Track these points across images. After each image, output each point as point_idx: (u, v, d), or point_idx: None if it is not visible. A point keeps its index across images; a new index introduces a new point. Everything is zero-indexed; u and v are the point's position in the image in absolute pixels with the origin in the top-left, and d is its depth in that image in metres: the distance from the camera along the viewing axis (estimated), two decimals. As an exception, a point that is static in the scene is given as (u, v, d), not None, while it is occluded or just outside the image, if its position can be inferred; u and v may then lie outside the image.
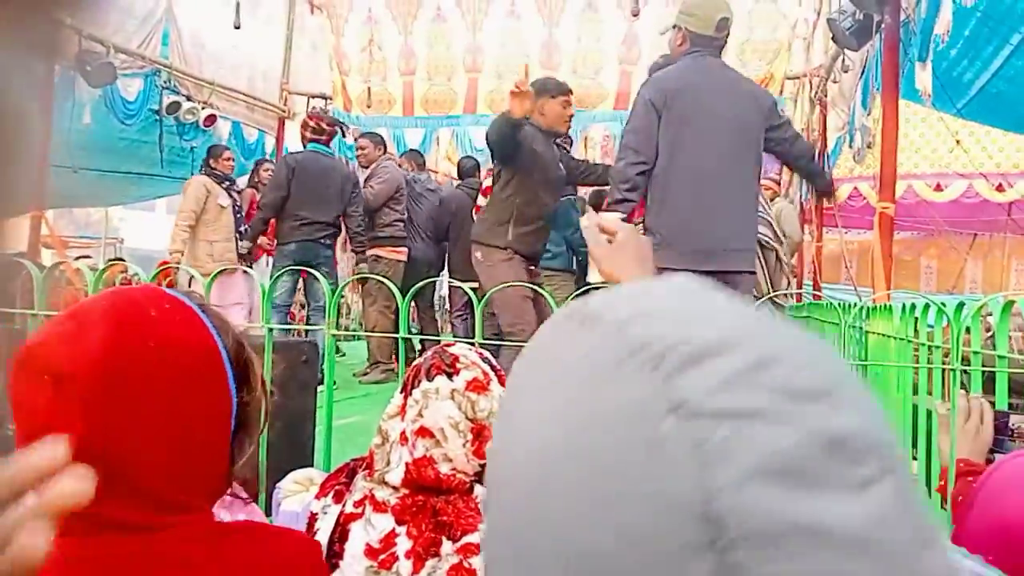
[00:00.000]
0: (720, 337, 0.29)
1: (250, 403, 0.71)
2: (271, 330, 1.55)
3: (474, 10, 6.10)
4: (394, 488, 1.05)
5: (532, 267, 3.32)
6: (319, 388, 1.99)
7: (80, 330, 0.63)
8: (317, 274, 1.88)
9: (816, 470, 0.26)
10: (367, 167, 4.82)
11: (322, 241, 4.45)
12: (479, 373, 1.08)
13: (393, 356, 4.86)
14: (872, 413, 0.29)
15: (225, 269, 2.98)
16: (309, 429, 2.04)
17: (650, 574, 0.26)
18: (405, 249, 4.81)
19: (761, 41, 5.60)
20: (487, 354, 1.15)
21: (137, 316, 0.65)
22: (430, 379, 1.07)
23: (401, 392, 1.10)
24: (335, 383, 1.81)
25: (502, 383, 1.10)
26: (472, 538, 0.98)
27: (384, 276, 4.38)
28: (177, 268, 3.62)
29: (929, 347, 1.85)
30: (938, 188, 7.45)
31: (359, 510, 1.06)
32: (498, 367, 1.12)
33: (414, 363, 1.13)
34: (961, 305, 1.63)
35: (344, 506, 1.08)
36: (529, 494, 0.30)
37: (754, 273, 2.84)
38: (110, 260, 8.57)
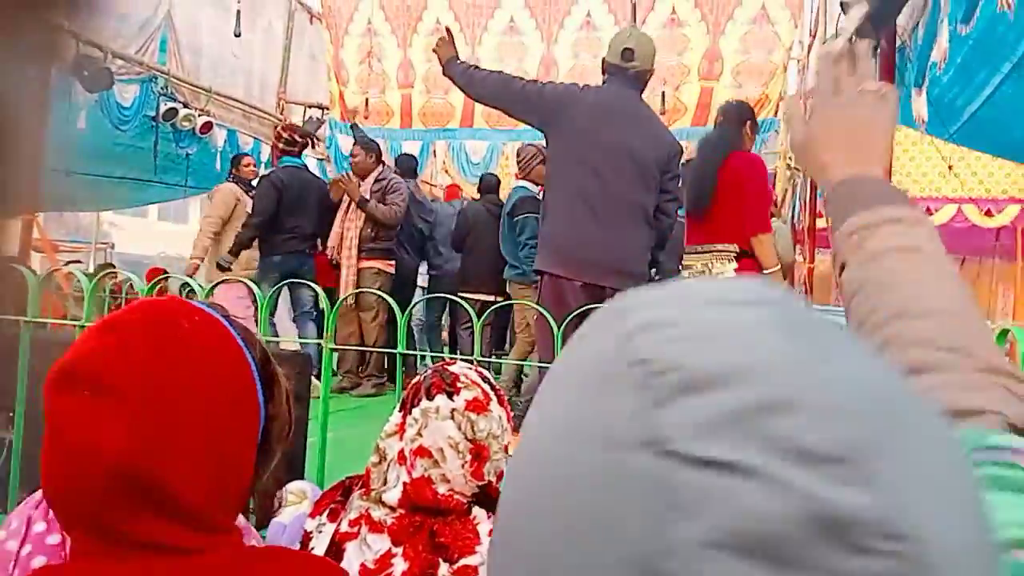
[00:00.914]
0: (728, 365, 0.23)
1: (276, 417, 0.70)
2: (268, 342, 1.54)
3: (473, 25, 6.13)
4: (391, 508, 1.03)
5: None
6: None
7: (121, 343, 0.62)
8: (308, 282, 1.88)
9: (799, 553, 0.21)
10: (362, 176, 4.74)
11: (306, 251, 4.69)
12: (479, 393, 1.06)
13: (385, 370, 4.85)
14: (913, 493, 0.22)
15: (227, 280, 2.99)
16: (302, 441, 2.03)
17: None
18: (395, 262, 4.79)
19: (756, 63, 5.66)
20: (486, 373, 1.14)
21: (173, 329, 0.64)
22: (430, 398, 1.05)
23: (400, 410, 1.09)
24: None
25: (502, 403, 1.09)
26: (470, 560, 0.96)
27: (380, 289, 4.40)
28: (169, 276, 3.60)
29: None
30: (928, 212, 7.53)
31: (355, 529, 1.05)
32: (497, 387, 1.11)
33: (413, 381, 1.11)
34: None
35: (339, 525, 1.06)
36: (517, 516, 0.27)
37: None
38: (100, 265, 8.52)
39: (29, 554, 0.88)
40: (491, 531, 0.95)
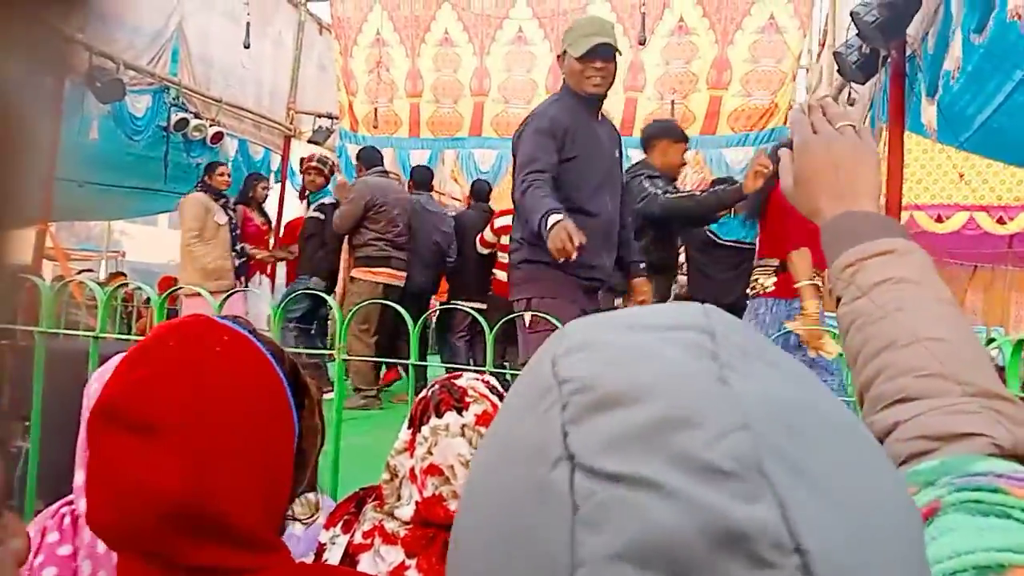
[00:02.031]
0: (635, 385, 0.24)
1: (309, 427, 0.70)
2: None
3: (481, 35, 6.16)
4: (404, 522, 1.04)
5: None
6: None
7: (159, 377, 0.61)
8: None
9: (700, 566, 0.21)
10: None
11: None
12: (488, 406, 1.06)
13: (377, 381, 4.76)
14: (804, 510, 0.22)
15: (236, 291, 2.99)
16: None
17: None
18: (385, 271, 4.61)
19: (765, 72, 5.65)
20: (494, 382, 1.13)
21: (207, 354, 0.63)
22: (439, 415, 1.05)
23: (409, 427, 1.08)
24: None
25: None
26: None
27: (360, 298, 4.31)
28: (181, 287, 3.60)
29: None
30: (939, 220, 7.49)
31: (368, 541, 1.05)
32: (499, 404, 1.10)
33: (420, 396, 1.11)
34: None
35: (352, 536, 1.06)
36: (457, 526, 0.29)
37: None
38: (112, 273, 8.57)
39: (41, 564, 0.89)
40: None
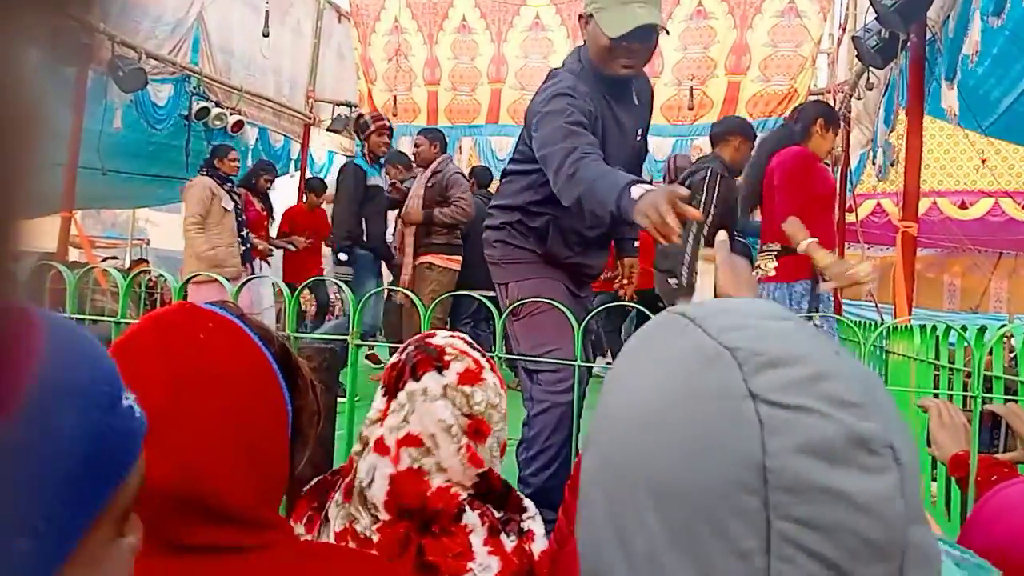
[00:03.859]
0: (788, 352, 0.40)
1: (303, 408, 0.71)
2: (298, 338, 1.58)
3: (499, 22, 6.15)
4: (374, 515, 0.92)
5: None
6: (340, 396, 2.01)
7: (135, 371, 0.61)
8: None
9: (843, 455, 0.37)
10: (424, 166, 4.51)
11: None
12: (470, 363, 0.97)
13: None
14: (892, 424, 0.39)
15: (254, 276, 3.00)
16: (329, 433, 2.07)
17: (714, 502, 0.38)
18: (457, 258, 4.53)
19: (784, 56, 5.59)
20: (468, 339, 1.03)
21: (186, 344, 0.64)
22: (416, 378, 0.94)
23: (384, 395, 0.97)
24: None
25: (493, 369, 1.00)
26: None
27: (440, 284, 4.26)
28: (199, 274, 3.62)
29: (950, 369, 1.84)
30: (963, 206, 7.38)
31: (341, 545, 0.94)
32: (485, 353, 1.01)
33: (392, 360, 1.00)
34: (984, 329, 1.63)
35: (319, 537, 0.97)
36: (632, 444, 0.42)
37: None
38: (135, 260, 8.70)
39: None
40: (486, 540, 0.89)
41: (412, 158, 4.88)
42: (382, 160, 4.51)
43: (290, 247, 5.67)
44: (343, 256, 4.09)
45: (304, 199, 6.17)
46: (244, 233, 4.89)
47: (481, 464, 0.94)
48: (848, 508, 0.36)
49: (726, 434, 0.38)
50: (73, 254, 6.56)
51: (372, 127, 4.30)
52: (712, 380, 0.40)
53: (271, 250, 5.63)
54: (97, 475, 0.34)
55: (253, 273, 4.91)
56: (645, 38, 1.91)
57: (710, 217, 3.27)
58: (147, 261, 8.80)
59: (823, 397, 0.38)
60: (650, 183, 1.62)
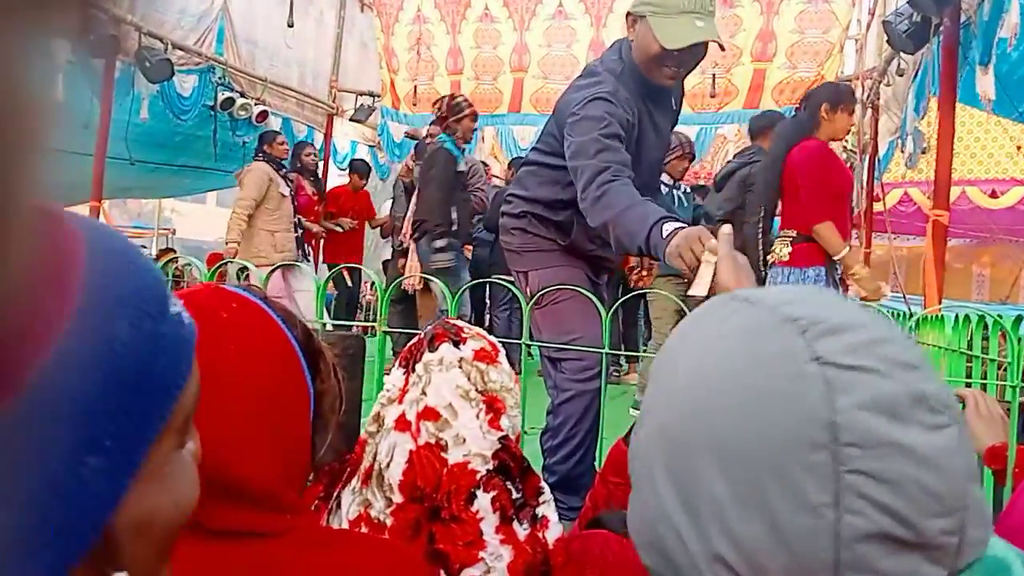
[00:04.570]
0: (846, 320, 0.43)
1: (325, 391, 0.71)
2: (324, 325, 1.59)
3: (521, 10, 6.12)
4: (389, 492, 0.90)
5: None
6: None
7: None
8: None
9: (906, 412, 0.40)
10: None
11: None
12: (486, 344, 0.96)
13: None
14: (945, 385, 0.43)
15: (286, 264, 3.02)
16: (355, 422, 2.09)
17: (782, 459, 0.40)
18: (470, 246, 4.59)
19: (811, 43, 5.50)
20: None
21: (210, 323, 0.63)
22: (433, 349, 0.94)
23: (402, 370, 0.96)
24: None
25: (507, 359, 0.99)
26: (472, 571, 0.86)
27: (448, 272, 4.28)
28: (230, 261, 3.64)
29: (983, 360, 1.81)
30: (993, 195, 7.23)
31: (357, 531, 0.93)
32: (498, 345, 1.00)
33: (414, 339, 0.99)
34: (1020, 319, 1.60)
35: (329, 523, 0.94)
36: (694, 411, 0.45)
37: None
38: (162, 250, 8.82)
39: None
40: (498, 528, 0.87)
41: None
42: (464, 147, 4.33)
43: (338, 228, 5.75)
44: (440, 243, 3.92)
45: (348, 181, 6.25)
46: (298, 218, 4.91)
47: (501, 429, 0.92)
48: (914, 461, 0.39)
49: (793, 395, 0.41)
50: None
51: (466, 111, 4.08)
52: (775, 346, 0.43)
53: (324, 234, 5.70)
54: (156, 385, 0.34)
55: (305, 258, 4.94)
56: (698, 52, 1.86)
57: (767, 205, 3.33)
58: (174, 250, 8.91)
59: (884, 359, 0.41)
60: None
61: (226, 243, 4.60)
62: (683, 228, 1.47)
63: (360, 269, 3.19)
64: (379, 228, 6.28)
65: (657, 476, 0.46)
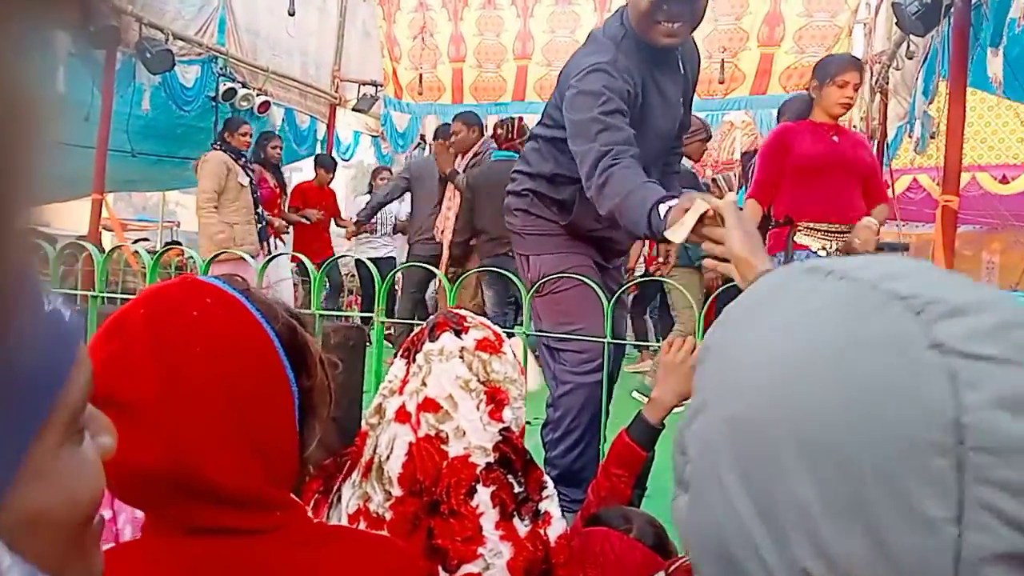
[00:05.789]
0: (967, 300, 0.36)
1: (312, 387, 0.68)
2: (321, 316, 1.57)
3: (525, -4, 6.06)
4: (388, 485, 0.89)
5: None
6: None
7: (127, 349, 0.60)
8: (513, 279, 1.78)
9: None
10: (463, 152, 4.35)
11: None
12: (490, 333, 0.94)
13: None
14: None
15: (277, 255, 2.98)
16: (356, 413, 2.07)
17: (892, 464, 0.34)
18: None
19: (819, 27, 5.43)
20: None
21: (179, 322, 0.62)
22: (434, 338, 0.91)
23: (404, 360, 0.94)
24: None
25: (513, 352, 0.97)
26: (471, 568, 0.85)
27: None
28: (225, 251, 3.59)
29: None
30: (1004, 180, 7.15)
31: (353, 527, 0.93)
32: (503, 335, 0.98)
33: (417, 330, 0.98)
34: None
35: (328, 520, 0.94)
36: (775, 402, 0.38)
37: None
38: (167, 243, 8.82)
39: None
40: (498, 523, 0.86)
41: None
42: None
43: (304, 220, 5.62)
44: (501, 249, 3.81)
45: (314, 176, 6.10)
46: (259, 211, 4.77)
47: (502, 421, 0.89)
48: None
49: (906, 387, 0.34)
50: (105, 237, 6.65)
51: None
52: (881, 329, 0.36)
53: (287, 227, 5.60)
54: (30, 385, 0.32)
55: (269, 252, 4.76)
56: (688, 5, 1.77)
57: None
58: (180, 243, 8.92)
59: (1019, 347, 0.35)
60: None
61: (211, 238, 4.39)
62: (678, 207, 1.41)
63: (337, 262, 3.11)
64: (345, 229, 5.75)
65: (724, 476, 0.40)
